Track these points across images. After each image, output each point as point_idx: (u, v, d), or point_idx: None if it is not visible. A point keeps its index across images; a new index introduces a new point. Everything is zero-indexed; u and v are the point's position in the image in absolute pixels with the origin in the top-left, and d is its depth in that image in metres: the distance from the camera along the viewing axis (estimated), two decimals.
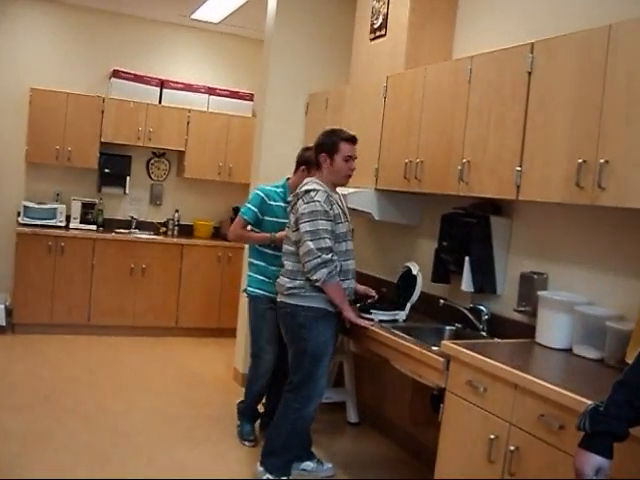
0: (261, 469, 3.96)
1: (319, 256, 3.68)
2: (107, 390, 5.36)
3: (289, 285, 3.86)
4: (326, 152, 3.90)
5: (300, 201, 3.82)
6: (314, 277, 3.71)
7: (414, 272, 4.19)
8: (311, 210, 3.74)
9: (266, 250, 4.52)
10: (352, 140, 3.93)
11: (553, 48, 3.19)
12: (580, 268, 3.44)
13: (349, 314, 3.90)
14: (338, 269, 3.76)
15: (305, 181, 3.97)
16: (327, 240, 3.72)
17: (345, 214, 3.96)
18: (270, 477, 3.90)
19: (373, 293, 4.27)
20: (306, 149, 4.44)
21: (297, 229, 3.80)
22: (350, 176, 3.96)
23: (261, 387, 4.64)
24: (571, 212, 3.48)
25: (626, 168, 2.76)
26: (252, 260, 4.64)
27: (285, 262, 3.93)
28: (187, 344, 7.09)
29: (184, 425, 4.82)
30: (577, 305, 3.25)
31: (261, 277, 4.55)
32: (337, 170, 3.90)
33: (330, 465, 4.28)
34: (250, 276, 4.63)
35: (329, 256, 3.70)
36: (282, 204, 4.44)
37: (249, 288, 4.61)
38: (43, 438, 4.33)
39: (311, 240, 3.70)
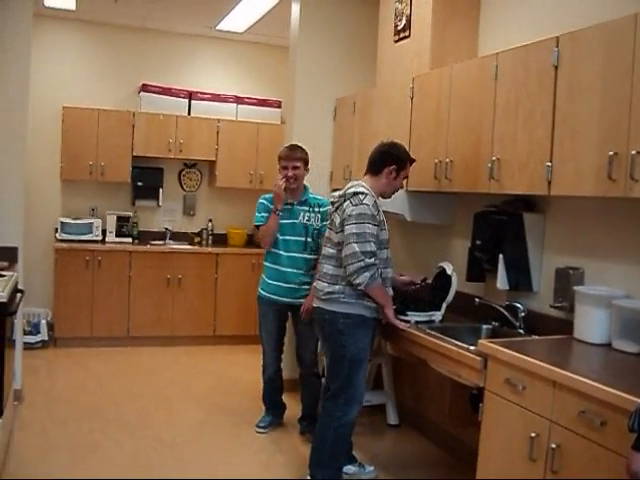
0: None
1: (362, 260, 3.65)
2: (149, 400, 5.42)
3: (328, 290, 3.83)
4: (397, 164, 3.90)
5: (348, 202, 3.79)
6: (357, 281, 3.69)
7: (448, 272, 4.17)
8: (359, 212, 3.71)
9: (272, 250, 4.76)
10: (412, 163, 4.04)
11: (579, 40, 3.16)
12: (616, 261, 3.41)
13: (390, 313, 3.87)
14: (379, 273, 3.75)
15: (351, 183, 3.93)
16: (372, 244, 3.69)
17: (385, 222, 3.92)
18: None
19: (416, 280, 4.30)
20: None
21: (341, 230, 3.78)
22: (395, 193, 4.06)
23: (268, 378, 4.99)
24: (604, 205, 3.44)
25: None
26: (264, 262, 4.89)
27: (325, 265, 3.91)
28: (225, 352, 7.14)
29: (226, 433, 4.86)
30: (614, 299, 3.21)
31: (267, 279, 4.81)
32: (395, 186, 3.96)
33: (372, 468, 4.28)
34: (261, 277, 4.92)
35: (372, 260, 3.67)
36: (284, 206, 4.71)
37: (258, 288, 4.92)
38: (89, 449, 4.40)
39: (356, 242, 3.67)
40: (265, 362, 4.99)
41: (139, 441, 4.59)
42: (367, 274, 3.66)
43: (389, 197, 4.03)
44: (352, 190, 3.82)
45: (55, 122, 7.17)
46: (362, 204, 3.73)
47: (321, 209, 4.69)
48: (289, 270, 4.68)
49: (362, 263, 3.66)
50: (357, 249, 3.66)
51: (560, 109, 3.25)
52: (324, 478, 3.89)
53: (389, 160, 3.90)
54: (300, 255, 4.67)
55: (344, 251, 3.73)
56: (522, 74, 3.51)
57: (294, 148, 4.74)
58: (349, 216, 3.73)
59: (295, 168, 4.65)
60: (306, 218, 4.68)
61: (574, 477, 2.64)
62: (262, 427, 4.91)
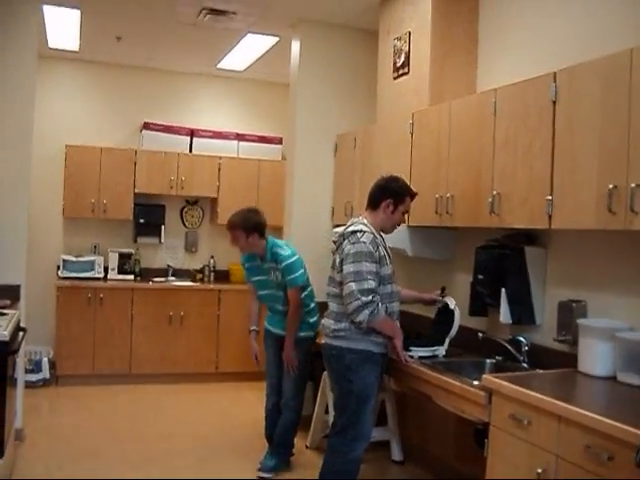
0: None
1: (359, 298, 3.65)
2: (152, 439, 5.37)
3: (334, 327, 3.84)
4: (393, 199, 3.90)
5: (346, 241, 3.81)
6: (357, 319, 3.69)
7: (451, 307, 4.16)
8: (356, 251, 3.72)
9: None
10: (414, 197, 4.01)
11: (576, 76, 3.21)
12: (619, 294, 3.40)
13: (399, 344, 3.87)
14: (380, 307, 3.73)
15: (351, 221, 3.95)
16: (371, 282, 3.68)
17: (389, 256, 3.92)
18: None
19: (435, 297, 4.32)
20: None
21: (341, 270, 3.79)
22: (396, 227, 4.04)
23: (267, 410, 5.04)
24: (605, 238, 3.45)
25: None
26: None
27: (330, 304, 3.93)
28: (228, 389, 7.10)
29: (229, 470, 4.81)
30: (618, 331, 3.20)
31: (269, 312, 5.02)
32: (394, 220, 3.95)
33: None
34: None
35: (369, 298, 3.66)
36: (256, 263, 4.83)
37: None
38: None
39: (354, 281, 3.68)
40: (266, 393, 5.06)
41: None
42: (366, 312, 3.66)
43: (390, 232, 4.03)
44: (351, 229, 3.83)
45: (58, 160, 7.22)
46: (359, 242, 3.74)
47: (279, 265, 4.66)
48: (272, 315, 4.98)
49: (359, 302, 3.65)
50: (354, 288, 3.67)
51: (559, 143, 3.28)
52: None
53: (386, 194, 3.91)
54: (278, 307, 4.85)
55: (343, 291, 3.74)
56: (521, 109, 3.55)
57: (231, 219, 4.72)
58: (347, 255, 3.74)
59: (234, 238, 4.69)
60: (275, 275, 4.73)
61: None
62: (263, 470, 4.71)
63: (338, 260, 3.84)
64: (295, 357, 4.72)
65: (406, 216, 4.47)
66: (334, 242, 3.98)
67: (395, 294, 3.93)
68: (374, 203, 3.94)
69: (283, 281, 4.67)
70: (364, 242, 3.74)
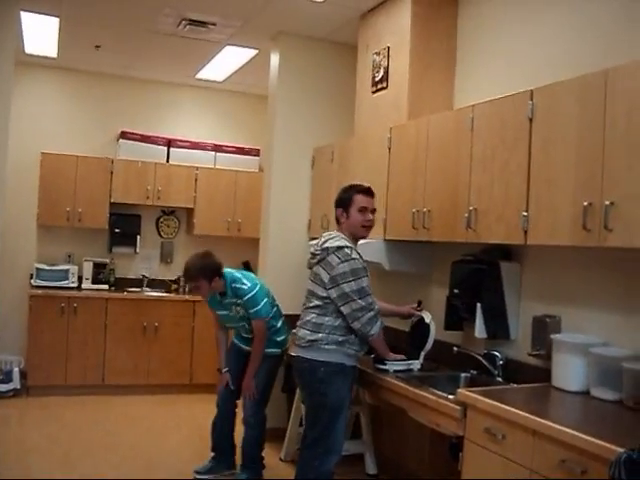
0: None
1: (372, 309, 3.77)
2: (125, 451, 5.32)
3: (310, 338, 3.82)
4: (342, 207, 3.96)
5: (334, 257, 3.79)
6: (371, 332, 3.80)
7: (427, 321, 4.19)
8: (353, 268, 3.76)
9: None
10: (366, 192, 3.98)
11: (552, 94, 3.25)
12: (593, 309, 3.44)
13: (391, 356, 4.08)
14: None
15: (329, 235, 3.96)
16: (372, 296, 3.83)
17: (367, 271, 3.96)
18: None
19: (412, 310, 4.35)
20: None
21: (334, 286, 3.77)
22: (368, 227, 3.97)
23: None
24: (580, 254, 3.49)
25: (632, 209, 2.79)
26: None
27: (309, 314, 3.89)
28: (202, 401, 7.02)
29: None
30: (592, 347, 3.24)
31: (236, 332, 5.03)
32: (353, 223, 3.92)
33: None
34: None
35: (376, 309, 3.82)
36: (216, 298, 4.76)
37: None
38: None
39: (360, 298, 3.75)
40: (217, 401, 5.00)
41: None
42: (378, 323, 3.81)
43: (363, 234, 4.00)
44: (336, 244, 3.83)
45: (33, 168, 7.16)
46: (352, 259, 3.78)
47: (241, 300, 4.61)
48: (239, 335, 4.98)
49: (372, 313, 3.77)
50: (363, 303, 3.75)
51: (535, 160, 3.32)
52: None
53: (336, 206, 4.01)
54: (244, 334, 4.87)
55: (347, 308, 3.76)
56: (498, 126, 3.59)
57: (189, 270, 4.63)
58: (343, 273, 3.75)
59: (197, 288, 4.65)
60: (236, 310, 4.71)
61: None
62: (199, 472, 4.80)
63: (327, 276, 3.81)
64: (255, 384, 4.70)
65: (382, 229, 4.53)
66: (313, 255, 3.97)
67: None
68: (336, 218, 4.03)
69: (246, 314, 4.65)
70: (356, 258, 3.80)
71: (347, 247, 3.81)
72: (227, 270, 4.70)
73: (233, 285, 4.61)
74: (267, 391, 4.84)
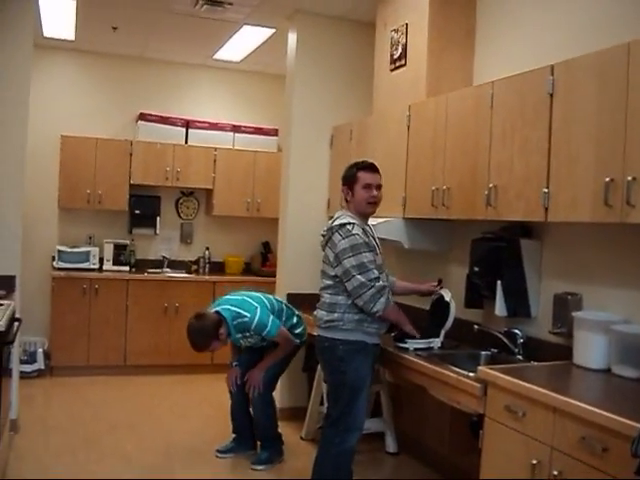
0: None
1: (372, 286, 3.70)
2: (146, 430, 5.38)
3: (327, 318, 3.85)
4: (347, 184, 3.95)
5: (337, 235, 3.81)
6: (374, 309, 3.73)
7: (447, 299, 4.17)
8: (352, 244, 3.74)
9: None
10: (370, 168, 3.94)
11: (573, 69, 3.21)
12: (614, 287, 3.42)
13: (409, 328, 4.06)
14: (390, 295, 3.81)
15: (337, 214, 3.97)
16: (375, 271, 3.74)
17: (378, 246, 3.96)
18: None
19: (433, 288, 4.30)
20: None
21: (338, 264, 3.79)
22: (373, 204, 3.93)
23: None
24: (601, 231, 3.46)
25: None
26: None
27: (323, 295, 3.93)
28: (223, 381, 7.06)
29: (226, 461, 4.82)
30: (613, 324, 3.22)
31: None
32: (358, 200, 3.90)
33: None
34: None
35: (381, 283, 3.73)
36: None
37: None
38: None
39: (360, 274, 3.70)
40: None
41: (137, 472, 4.54)
42: (382, 299, 3.73)
43: (370, 211, 3.97)
44: (338, 222, 3.85)
45: (53, 151, 7.20)
46: (352, 235, 3.76)
47: (249, 332, 4.64)
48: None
49: (373, 289, 3.70)
50: (363, 279, 3.70)
51: (556, 136, 3.28)
52: None
53: (341, 184, 4.00)
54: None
55: (349, 285, 3.75)
56: (517, 102, 3.55)
57: (196, 344, 4.59)
58: (344, 250, 3.75)
59: (213, 349, 4.71)
60: (249, 340, 4.75)
61: None
62: (257, 463, 4.78)
63: (332, 255, 3.84)
64: (262, 379, 4.74)
65: (402, 208, 4.52)
66: (323, 236, 4.01)
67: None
68: (343, 197, 4.03)
69: (261, 336, 4.65)
70: (357, 234, 3.76)
71: (349, 224, 3.80)
72: (223, 309, 4.59)
73: (235, 323, 4.55)
74: (276, 378, 4.90)
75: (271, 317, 4.59)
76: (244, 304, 4.61)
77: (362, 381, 3.85)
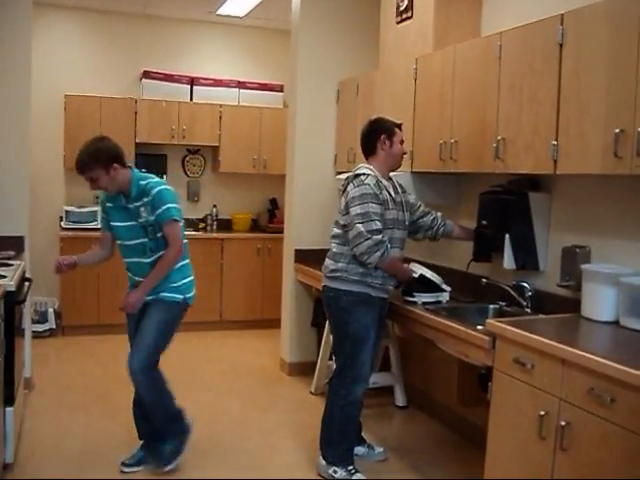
0: (323, 462, 3.97)
1: (369, 238, 3.68)
2: None
3: (332, 267, 3.89)
4: (387, 135, 3.91)
5: (351, 184, 3.83)
6: (368, 260, 3.74)
7: (423, 274, 4.06)
8: (362, 193, 3.75)
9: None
10: (401, 127, 4.00)
11: (583, 18, 3.15)
12: (623, 239, 3.40)
13: (405, 279, 4.02)
14: (390, 249, 3.78)
15: (358, 166, 3.96)
16: (377, 222, 3.72)
17: (395, 202, 3.90)
18: (335, 473, 3.90)
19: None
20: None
21: (347, 213, 3.81)
22: (403, 158, 4.01)
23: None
24: (610, 183, 3.44)
25: None
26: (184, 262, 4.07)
27: (331, 244, 3.97)
28: (232, 337, 7.17)
29: (235, 417, 4.89)
30: (622, 276, 3.21)
31: (130, 281, 4.14)
32: (396, 151, 3.93)
33: (381, 449, 4.31)
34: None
35: (379, 236, 3.71)
36: (120, 203, 3.90)
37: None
38: (102, 436, 4.44)
39: (361, 223, 3.71)
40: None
41: None
42: (378, 253, 3.71)
43: (397, 166, 4.00)
44: (355, 172, 3.88)
45: (58, 110, 7.16)
46: (363, 184, 3.76)
47: (149, 197, 3.76)
48: (136, 278, 4.03)
49: (370, 241, 3.69)
50: (362, 229, 3.69)
51: (565, 87, 3.24)
52: (334, 459, 3.92)
53: (376, 134, 3.94)
54: (141, 260, 3.94)
55: (350, 234, 3.76)
56: (526, 53, 3.50)
57: (80, 159, 3.77)
58: (352, 198, 3.77)
59: (93, 180, 3.79)
60: (142, 216, 3.80)
61: (584, 454, 2.66)
62: (162, 460, 3.98)
63: (343, 203, 3.87)
64: (139, 305, 3.94)
65: (409, 162, 4.49)
66: (342, 186, 4.00)
67: (397, 240, 3.92)
68: (370, 148, 3.96)
69: (154, 223, 3.78)
70: (368, 184, 3.76)
71: (364, 174, 3.81)
72: (135, 170, 3.89)
73: (141, 182, 3.79)
74: (158, 343, 3.96)
75: (177, 206, 3.82)
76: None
77: (365, 332, 3.87)
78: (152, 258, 3.89)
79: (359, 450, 4.22)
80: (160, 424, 4.02)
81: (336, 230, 3.94)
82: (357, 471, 3.92)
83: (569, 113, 3.21)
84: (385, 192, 3.83)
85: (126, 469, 3.97)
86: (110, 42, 7.59)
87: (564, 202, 3.80)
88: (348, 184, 3.87)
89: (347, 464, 3.92)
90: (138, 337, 3.97)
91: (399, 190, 4.00)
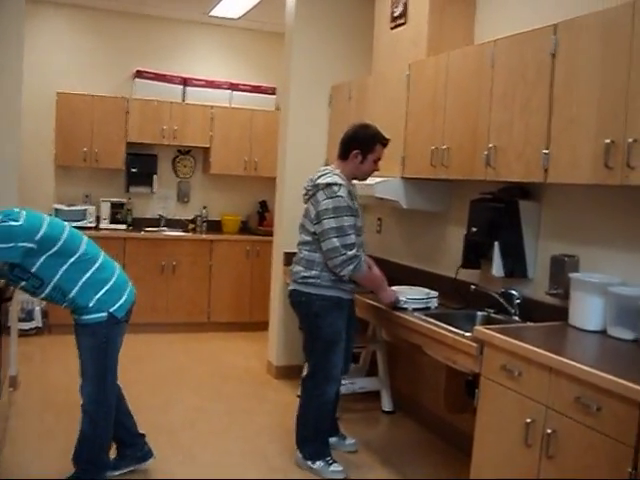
0: (300, 456, 4.09)
1: (344, 253, 3.76)
2: (144, 387, 5.41)
3: (304, 274, 3.95)
4: (361, 149, 3.92)
5: (321, 193, 3.85)
6: (342, 273, 3.82)
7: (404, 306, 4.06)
8: (335, 206, 3.79)
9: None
10: (386, 145, 3.99)
11: (576, 28, 3.17)
12: (611, 249, 3.42)
13: (385, 295, 4.02)
14: (362, 261, 3.83)
15: (323, 170, 3.98)
16: (352, 236, 3.79)
17: (359, 207, 4.02)
18: (313, 464, 4.04)
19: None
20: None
21: (318, 222, 3.85)
22: (372, 174, 4.07)
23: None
24: (600, 193, 3.46)
25: None
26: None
27: (302, 251, 4.01)
28: (220, 339, 7.15)
29: (221, 420, 4.88)
30: (610, 286, 3.23)
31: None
32: (364, 169, 3.98)
33: (353, 441, 4.42)
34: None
35: (353, 252, 3.78)
36: None
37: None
38: None
39: (336, 237, 3.76)
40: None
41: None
42: (350, 267, 3.78)
43: (363, 180, 4.09)
44: (326, 181, 3.87)
45: (49, 108, 7.12)
46: (337, 196, 3.80)
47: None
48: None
49: (344, 257, 3.76)
50: (338, 244, 3.76)
51: (557, 97, 3.26)
52: (311, 455, 4.07)
53: (353, 144, 3.95)
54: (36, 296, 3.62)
55: (325, 245, 3.82)
56: (519, 62, 3.52)
57: None
58: (326, 210, 3.80)
59: None
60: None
61: (570, 462, 2.67)
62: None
63: (313, 212, 3.90)
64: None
65: (401, 167, 4.50)
66: (306, 190, 4.03)
67: (363, 244, 4.02)
68: (343, 153, 3.99)
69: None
70: (341, 196, 3.80)
71: (336, 184, 3.83)
72: None
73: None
74: (100, 371, 3.67)
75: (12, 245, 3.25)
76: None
77: (337, 335, 3.97)
78: (41, 293, 3.49)
79: (331, 439, 4.30)
80: (80, 458, 3.65)
81: (305, 237, 3.98)
82: (334, 461, 4.05)
83: (560, 123, 3.23)
84: (354, 201, 3.92)
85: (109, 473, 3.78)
86: (103, 40, 7.56)
87: (553, 211, 3.82)
88: (318, 191, 3.88)
89: (324, 456, 4.05)
90: (80, 367, 3.66)
91: (357, 196, 4.07)
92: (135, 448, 3.96)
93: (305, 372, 4.21)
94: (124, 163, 7.35)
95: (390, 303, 4.04)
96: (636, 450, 2.37)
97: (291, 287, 4.09)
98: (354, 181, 4.07)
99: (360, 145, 3.93)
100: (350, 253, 3.76)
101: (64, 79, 7.33)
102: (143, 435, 4.01)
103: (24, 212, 3.39)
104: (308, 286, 3.94)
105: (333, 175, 3.90)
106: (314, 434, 4.08)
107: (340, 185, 3.83)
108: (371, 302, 4.25)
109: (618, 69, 2.92)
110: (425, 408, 4.91)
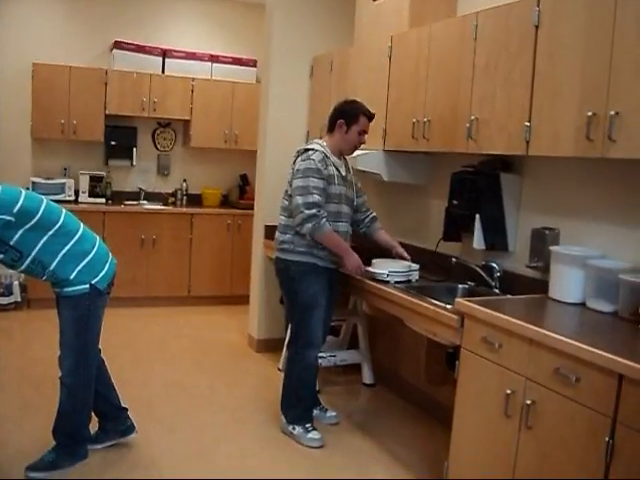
0: (284, 421, 4.23)
1: (302, 211, 3.87)
2: (125, 361, 5.39)
3: (281, 239, 4.11)
4: (345, 119, 4.05)
5: (299, 158, 4.01)
6: (302, 232, 3.94)
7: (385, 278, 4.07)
8: (306, 167, 3.92)
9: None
10: (371, 117, 4.09)
11: (560, 0, 3.14)
12: (592, 222, 3.44)
13: (347, 262, 4.01)
14: (323, 222, 3.88)
15: (311, 141, 4.15)
16: (315, 196, 3.88)
17: (345, 180, 4.09)
18: (294, 430, 4.15)
19: (404, 254, 4.27)
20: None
21: (291, 185, 4.01)
22: (357, 148, 4.14)
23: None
24: (581, 165, 3.46)
25: (637, 119, 2.74)
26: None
27: (280, 216, 4.14)
28: (200, 313, 7.14)
29: (203, 393, 4.88)
30: (590, 259, 3.25)
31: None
32: (349, 140, 4.08)
33: (334, 413, 4.48)
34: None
35: (313, 211, 3.86)
36: None
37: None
38: None
39: (300, 195, 3.89)
40: None
41: None
42: (309, 225, 3.87)
43: (348, 153, 4.18)
44: (305, 147, 4.06)
45: (25, 79, 6.99)
46: (309, 159, 3.94)
47: None
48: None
49: (303, 215, 3.87)
50: (300, 201, 3.88)
51: (540, 69, 3.25)
52: (294, 419, 4.17)
53: (338, 115, 4.09)
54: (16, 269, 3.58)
55: (291, 205, 3.97)
56: (502, 34, 3.50)
57: None
58: (297, 170, 3.96)
59: None
60: None
61: (548, 432, 2.70)
62: (35, 469, 3.53)
63: (290, 175, 4.04)
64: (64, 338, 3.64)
65: (382, 140, 4.48)
66: (294, 158, 4.14)
67: (343, 214, 4.08)
68: (330, 126, 4.13)
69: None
70: (313, 159, 3.93)
71: (312, 150, 3.99)
72: None
73: None
74: (81, 343, 3.63)
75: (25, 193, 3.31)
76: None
77: (313, 299, 4.06)
78: (21, 266, 3.46)
79: (313, 412, 4.38)
80: (60, 432, 3.64)
81: (285, 202, 4.11)
82: (314, 429, 4.15)
83: (543, 95, 3.22)
84: (332, 168, 3.99)
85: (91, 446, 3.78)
86: (81, 10, 7.41)
87: (535, 184, 3.82)
88: (297, 157, 4.04)
89: (305, 422, 4.16)
90: (61, 339, 3.64)
91: (351, 171, 4.21)
92: (118, 422, 3.95)
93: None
94: (103, 135, 7.25)
95: (354, 269, 4.03)
96: (614, 420, 2.40)
97: (273, 255, 4.23)
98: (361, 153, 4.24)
99: (344, 116, 4.05)
100: (308, 212, 3.85)
101: (41, 49, 7.20)
102: (126, 409, 4.00)
103: (0, 186, 3.30)
104: (284, 252, 4.07)
105: (315, 144, 4.05)
106: (296, 399, 4.20)
107: (315, 150, 3.98)
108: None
109: (601, 42, 2.90)
110: (406, 380, 4.94)
